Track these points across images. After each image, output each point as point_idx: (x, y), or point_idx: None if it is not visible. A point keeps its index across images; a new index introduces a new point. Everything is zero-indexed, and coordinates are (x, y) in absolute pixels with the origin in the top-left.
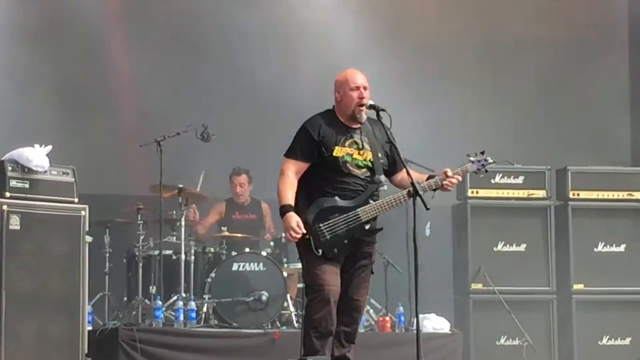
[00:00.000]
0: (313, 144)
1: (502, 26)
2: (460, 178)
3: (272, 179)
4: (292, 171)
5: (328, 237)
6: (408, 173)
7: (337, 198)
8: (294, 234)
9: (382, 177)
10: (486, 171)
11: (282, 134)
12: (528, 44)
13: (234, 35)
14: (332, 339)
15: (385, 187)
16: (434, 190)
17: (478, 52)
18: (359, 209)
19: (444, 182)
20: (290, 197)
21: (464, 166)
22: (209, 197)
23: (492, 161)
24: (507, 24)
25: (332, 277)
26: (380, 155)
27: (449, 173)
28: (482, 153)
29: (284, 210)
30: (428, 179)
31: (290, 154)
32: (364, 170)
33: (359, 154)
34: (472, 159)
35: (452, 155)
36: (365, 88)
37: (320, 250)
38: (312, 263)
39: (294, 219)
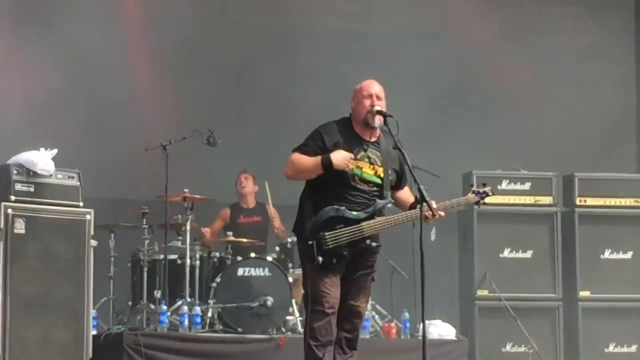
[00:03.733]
0: (323, 149)
1: (500, 31)
2: (442, 214)
3: (280, 184)
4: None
5: (330, 246)
6: (415, 181)
7: (345, 208)
8: (350, 163)
9: (389, 194)
10: (484, 204)
11: (292, 139)
12: (531, 49)
13: (240, 39)
14: (333, 347)
15: (390, 205)
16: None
17: (480, 59)
18: (363, 223)
19: (426, 213)
20: (315, 158)
21: (466, 197)
22: (215, 200)
23: (492, 194)
24: (508, 31)
25: (331, 287)
26: (390, 172)
27: (434, 206)
28: (485, 185)
29: (327, 161)
30: (411, 207)
31: (300, 148)
32: (372, 185)
33: (369, 167)
34: (475, 189)
35: (455, 163)
36: (378, 97)
37: (320, 258)
38: (312, 273)
39: (340, 153)
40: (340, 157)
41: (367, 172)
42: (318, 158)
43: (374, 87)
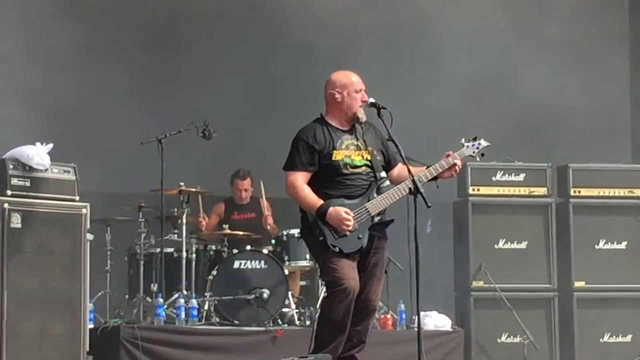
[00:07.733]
0: (313, 152)
1: (499, 24)
2: (459, 162)
3: (274, 177)
4: (302, 181)
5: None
6: (409, 170)
7: (343, 199)
8: (348, 224)
9: (383, 174)
10: (482, 154)
11: (288, 131)
12: (527, 40)
13: (233, 29)
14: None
15: (388, 182)
16: (435, 178)
17: (477, 49)
18: (367, 204)
19: (446, 160)
20: (316, 198)
21: (459, 151)
22: (210, 194)
23: (486, 144)
24: (502, 23)
25: (350, 270)
26: (376, 153)
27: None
28: (475, 139)
29: (323, 210)
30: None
31: (293, 166)
32: (364, 168)
33: (356, 154)
34: (465, 143)
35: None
36: (366, 91)
37: (337, 248)
38: (328, 259)
39: (340, 210)
40: (335, 216)
41: (355, 157)
42: (316, 204)
43: (360, 79)
